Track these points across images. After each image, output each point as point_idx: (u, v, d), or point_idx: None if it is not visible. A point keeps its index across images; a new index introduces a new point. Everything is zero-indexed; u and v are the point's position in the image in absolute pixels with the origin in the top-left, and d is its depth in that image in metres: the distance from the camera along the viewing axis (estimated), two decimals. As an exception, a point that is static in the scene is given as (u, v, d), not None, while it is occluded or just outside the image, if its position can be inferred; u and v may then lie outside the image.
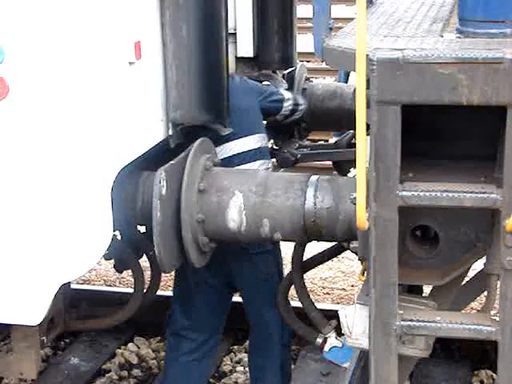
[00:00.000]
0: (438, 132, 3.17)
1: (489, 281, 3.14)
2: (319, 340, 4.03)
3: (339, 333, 3.56)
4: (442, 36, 3.16)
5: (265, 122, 4.54)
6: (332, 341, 3.97)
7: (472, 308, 5.44)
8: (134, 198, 3.75)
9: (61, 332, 4.56)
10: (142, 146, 3.65)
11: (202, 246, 3.69)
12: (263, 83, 4.97)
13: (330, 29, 3.28)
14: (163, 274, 4.93)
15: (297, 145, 4.97)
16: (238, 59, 4.81)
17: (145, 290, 4.58)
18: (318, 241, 3.66)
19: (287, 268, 4.30)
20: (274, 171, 4.34)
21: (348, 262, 6.77)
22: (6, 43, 3.16)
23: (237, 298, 4.75)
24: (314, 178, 3.62)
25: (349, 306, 3.30)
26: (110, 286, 6.56)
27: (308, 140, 5.40)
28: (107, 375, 5.42)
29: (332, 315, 3.94)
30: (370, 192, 2.90)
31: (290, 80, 5.11)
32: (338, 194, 3.51)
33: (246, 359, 5.49)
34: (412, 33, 3.23)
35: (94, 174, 3.32)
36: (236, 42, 4.83)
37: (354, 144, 2.86)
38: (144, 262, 4.53)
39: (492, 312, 3.04)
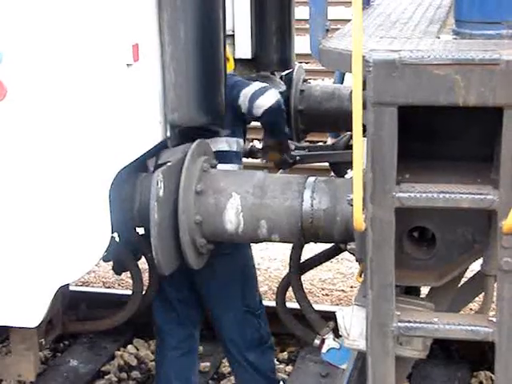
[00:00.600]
0: (434, 133, 3.18)
1: (486, 282, 3.15)
2: (317, 341, 4.03)
3: (337, 334, 3.57)
4: (438, 37, 3.17)
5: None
6: (330, 342, 3.98)
7: (471, 309, 5.44)
8: (132, 199, 3.75)
9: (59, 334, 4.57)
10: (141, 148, 3.65)
11: (199, 247, 3.69)
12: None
13: (327, 30, 3.28)
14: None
15: (294, 146, 4.97)
16: (236, 61, 4.81)
17: (143, 292, 4.58)
18: (316, 242, 3.66)
19: (286, 269, 4.30)
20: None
21: (347, 264, 6.77)
22: (4, 45, 3.16)
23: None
24: (311, 179, 3.63)
25: (346, 308, 3.30)
26: (109, 288, 6.55)
27: (306, 141, 5.40)
28: (106, 377, 5.42)
29: (331, 316, 3.93)
30: (367, 193, 2.91)
31: (288, 81, 5.12)
32: (335, 195, 3.51)
33: (244, 361, 5.50)
34: (408, 34, 3.24)
35: (93, 176, 3.33)
36: (234, 44, 4.84)
37: (352, 145, 2.86)
38: (143, 263, 4.53)
39: (492, 313, 3.04)
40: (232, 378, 5.36)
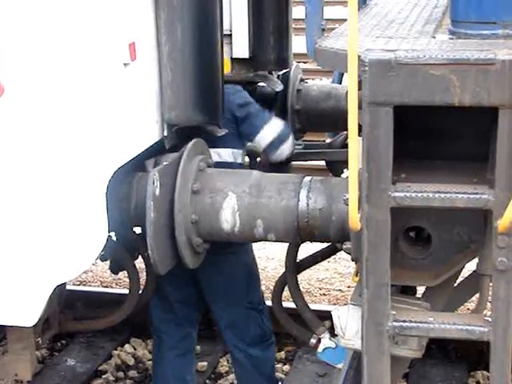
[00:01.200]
0: (430, 133, 3.18)
1: (481, 281, 3.15)
2: (313, 341, 4.04)
3: (333, 334, 3.57)
4: (434, 37, 3.17)
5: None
6: (325, 342, 3.98)
7: (468, 309, 5.45)
8: (129, 198, 3.75)
9: (56, 333, 4.58)
10: (137, 147, 3.65)
11: (195, 246, 3.69)
12: (259, 84, 4.97)
13: (323, 30, 3.28)
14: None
15: None
16: (234, 60, 4.81)
17: (140, 291, 4.58)
18: (312, 241, 3.67)
19: (283, 268, 4.30)
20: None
21: (345, 263, 6.77)
22: (1, 43, 3.16)
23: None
24: (307, 179, 3.63)
25: (342, 307, 3.30)
26: (107, 287, 6.56)
27: (303, 141, 5.39)
28: (103, 376, 5.42)
29: (329, 316, 3.93)
30: (363, 193, 2.91)
31: (285, 81, 5.12)
32: (330, 194, 3.52)
33: (242, 360, 5.50)
34: (404, 34, 3.24)
35: (89, 175, 3.33)
36: (231, 43, 4.83)
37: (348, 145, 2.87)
38: (140, 263, 4.53)
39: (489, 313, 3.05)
40: (229, 377, 5.37)
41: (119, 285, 6.57)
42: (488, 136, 2.98)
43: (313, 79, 11.53)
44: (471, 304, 5.25)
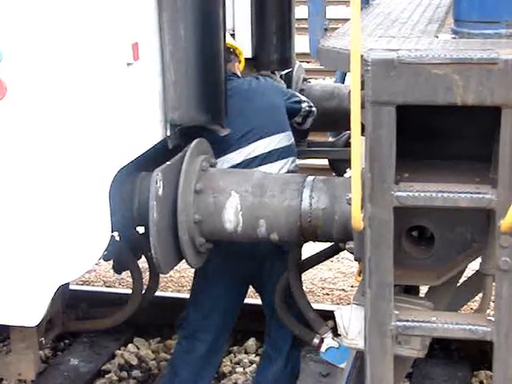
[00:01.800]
0: (433, 132, 3.18)
1: (484, 281, 3.15)
2: (316, 341, 4.04)
3: (336, 333, 3.57)
4: (437, 37, 3.17)
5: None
6: (328, 341, 3.98)
7: (472, 308, 5.44)
8: (131, 198, 3.75)
9: (59, 333, 4.58)
10: (140, 147, 3.65)
11: (198, 246, 3.70)
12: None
13: (325, 29, 3.28)
14: (162, 275, 4.94)
15: None
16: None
17: (144, 291, 4.59)
18: (314, 241, 3.66)
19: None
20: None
21: (348, 263, 6.77)
22: (4, 44, 3.16)
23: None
24: (310, 178, 3.63)
25: (345, 307, 3.30)
26: (110, 287, 6.56)
27: (306, 140, 5.39)
28: (107, 376, 5.42)
29: (332, 316, 3.93)
30: (366, 192, 2.91)
31: (288, 81, 5.12)
32: (333, 194, 3.52)
33: (245, 360, 5.50)
34: (407, 33, 3.24)
35: (92, 175, 3.33)
36: (235, 43, 4.83)
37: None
38: (143, 262, 4.54)
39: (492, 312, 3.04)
40: (233, 377, 5.37)
41: (122, 284, 6.58)
42: (491, 135, 2.98)
43: (316, 79, 11.53)
44: (474, 304, 5.24)
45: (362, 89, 2.82)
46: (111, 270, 4.66)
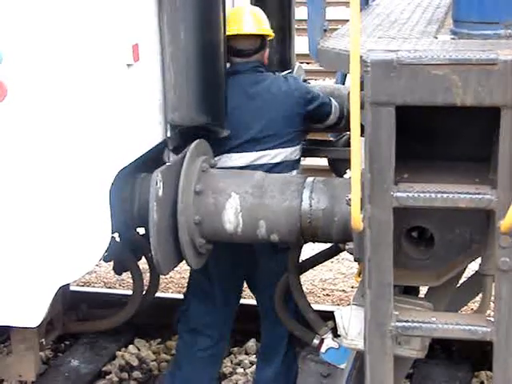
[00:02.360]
0: (432, 133, 3.18)
1: (484, 281, 3.16)
2: (316, 341, 4.04)
3: (336, 334, 3.57)
4: (436, 37, 3.17)
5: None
6: (328, 342, 3.99)
7: (472, 309, 5.44)
8: (132, 199, 3.76)
9: (60, 334, 4.58)
10: (141, 148, 3.66)
11: (198, 247, 3.70)
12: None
13: (325, 30, 3.29)
14: (162, 276, 4.95)
15: None
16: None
17: (144, 292, 4.59)
18: (314, 242, 3.67)
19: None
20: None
21: (348, 264, 6.77)
22: (4, 46, 3.17)
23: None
24: (309, 179, 3.64)
25: (345, 307, 3.31)
26: (110, 288, 6.56)
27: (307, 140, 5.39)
28: (107, 377, 5.42)
29: (332, 316, 3.94)
30: (365, 193, 2.91)
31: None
32: (333, 195, 3.52)
33: (246, 361, 5.50)
34: (407, 34, 3.24)
35: (93, 176, 3.33)
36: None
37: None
38: (143, 263, 4.54)
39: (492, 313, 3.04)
40: (233, 377, 5.37)
41: (123, 286, 6.58)
42: (490, 136, 2.98)
43: (316, 80, 11.53)
44: (474, 304, 5.24)
45: (362, 90, 2.82)
46: (112, 271, 4.67)
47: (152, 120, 3.75)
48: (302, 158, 4.49)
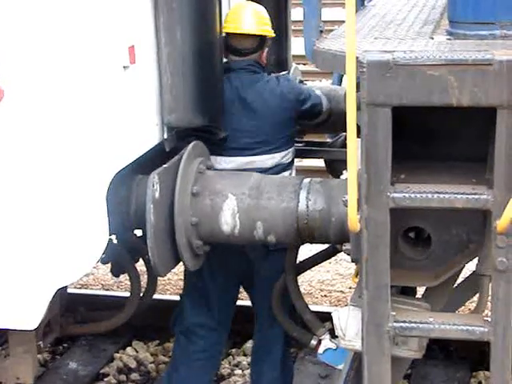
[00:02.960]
0: (428, 134, 3.19)
1: (481, 282, 3.16)
2: (313, 342, 4.04)
3: (333, 335, 3.57)
4: (432, 38, 3.18)
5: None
6: (326, 343, 3.99)
7: (469, 309, 5.45)
8: (129, 201, 3.76)
9: (57, 336, 4.58)
10: (137, 150, 3.66)
11: (196, 248, 3.70)
12: None
13: (321, 31, 3.29)
14: (160, 278, 4.94)
15: None
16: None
17: (142, 294, 4.59)
18: (311, 243, 3.67)
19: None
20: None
21: (346, 265, 6.77)
22: (0, 47, 3.17)
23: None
24: (306, 180, 3.64)
25: (342, 308, 3.31)
26: (108, 290, 6.56)
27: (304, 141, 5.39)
28: (106, 379, 5.42)
29: (330, 317, 3.94)
30: (362, 194, 2.91)
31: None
32: (330, 196, 3.53)
33: (244, 362, 5.50)
34: (402, 35, 3.25)
35: (90, 178, 3.33)
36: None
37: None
38: (141, 265, 4.54)
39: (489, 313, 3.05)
40: (231, 379, 5.37)
41: (120, 288, 6.58)
42: (486, 136, 2.99)
43: (312, 81, 11.53)
44: (472, 304, 5.24)
45: (358, 90, 2.83)
46: (109, 273, 4.67)
47: (149, 122, 3.75)
48: (299, 160, 4.50)
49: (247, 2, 4.44)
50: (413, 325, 3.01)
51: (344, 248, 3.27)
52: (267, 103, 4.13)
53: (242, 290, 4.61)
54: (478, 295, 3.28)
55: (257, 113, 4.12)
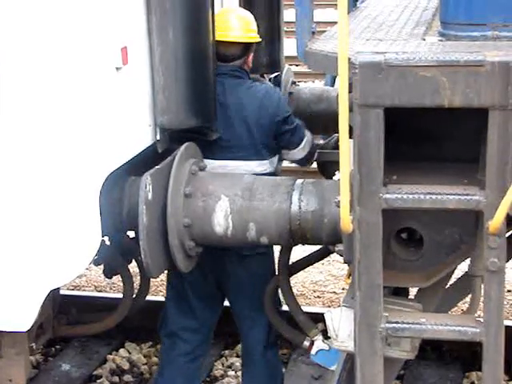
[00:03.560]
0: (421, 134, 3.19)
1: (473, 282, 3.16)
2: (306, 343, 4.04)
3: (326, 336, 3.58)
4: (424, 39, 3.19)
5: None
6: (319, 344, 3.99)
7: (462, 310, 5.46)
8: (121, 202, 3.75)
9: (50, 338, 4.57)
10: (130, 151, 3.65)
11: (188, 250, 3.70)
12: None
13: (313, 32, 3.30)
14: (152, 279, 4.94)
15: None
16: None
17: (134, 295, 4.58)
18: (304, 244, 3.67)
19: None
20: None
21: (338, 265, 6.77)
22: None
23: (228, 302, 4.74)
24: (299, 181, 3.64)
25: (335, 309, 3.31)
26: (101, 291, 6.55)
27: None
28: (98, 381, 5.41)
29: (323, 318, 3.94)
30: (354, 195, 2.92)
31: (277, 84, 5.12)
32: (322, 197, 3.53)
33: (237, 364, 5.50)
34: (394, 36, 3.25)
35: (82, 180, 3.33)
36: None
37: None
38: (134, 267, 4.53)
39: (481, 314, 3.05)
40: (225, 380, 5.37)
41: (113, 289, 6.57)
42: (478, 137, 2.99)
43: (305, 82, 11.55)
44: (464, 305, 5.26)
45: (350, 91, 2.83)
46: (102, 274, 4.66)
47: (141, 123, 3.75)
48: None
49: (232, 8, 4.45)
50: (405, 325, 3.01)
51: (337, 249, 3.27)
52: (244, 108, 4.12)
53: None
54: (470, 296, 3.29)
55: (232, 117, 4.11)
